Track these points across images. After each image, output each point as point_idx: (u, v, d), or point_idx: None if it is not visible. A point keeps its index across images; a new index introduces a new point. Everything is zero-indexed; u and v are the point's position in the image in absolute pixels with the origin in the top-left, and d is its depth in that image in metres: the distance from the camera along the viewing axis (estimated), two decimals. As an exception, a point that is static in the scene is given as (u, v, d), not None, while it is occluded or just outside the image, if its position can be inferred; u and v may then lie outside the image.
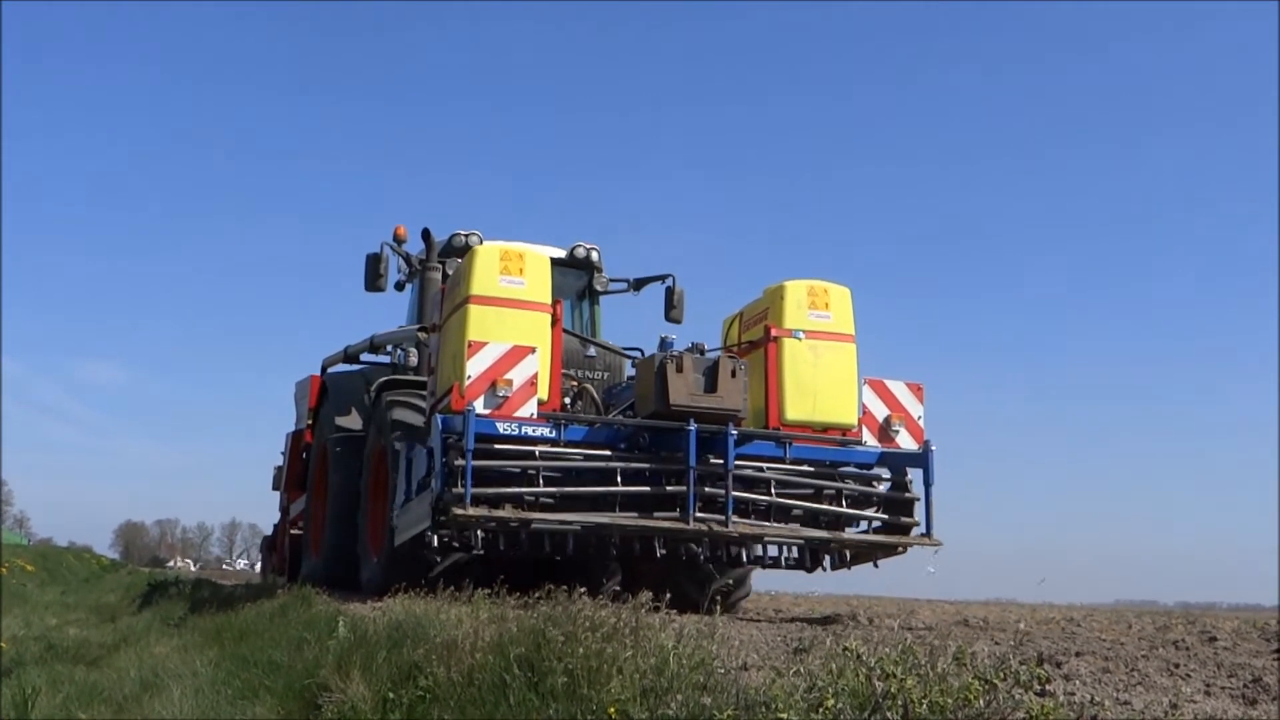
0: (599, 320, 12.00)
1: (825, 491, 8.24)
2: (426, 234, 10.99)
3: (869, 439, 8.18)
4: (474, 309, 7.80)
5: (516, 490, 7.47)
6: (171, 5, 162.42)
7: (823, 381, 8.32)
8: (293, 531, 13.72)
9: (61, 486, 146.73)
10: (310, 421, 12.86)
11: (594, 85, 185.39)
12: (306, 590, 9.21)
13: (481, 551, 7.82)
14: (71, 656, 8.86)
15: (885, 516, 8.33)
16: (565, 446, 7.63)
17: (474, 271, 7.92)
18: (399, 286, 11.94)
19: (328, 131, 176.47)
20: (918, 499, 8.23)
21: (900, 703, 3.19)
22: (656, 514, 7.68)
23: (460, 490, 7.09)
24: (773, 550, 8.81)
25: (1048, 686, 3.67)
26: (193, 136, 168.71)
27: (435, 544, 7.77)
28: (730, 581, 9.67)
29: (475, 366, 7.42)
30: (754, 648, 4.90)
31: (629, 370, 10.49)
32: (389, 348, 11.71)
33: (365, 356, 12.49)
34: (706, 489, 7.75)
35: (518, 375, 7.48)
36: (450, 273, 10.65)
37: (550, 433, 7.58)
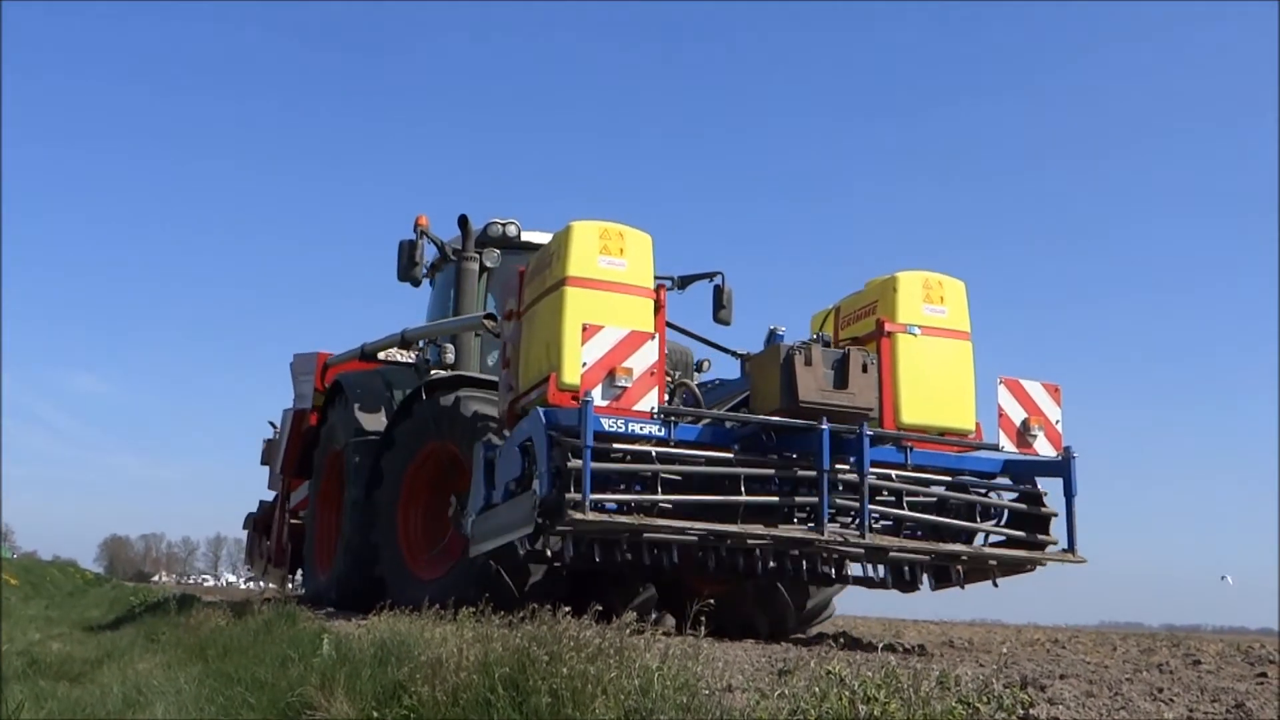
0: None
1: (952, 502, 7.57)
2: (464, 221, 10.47)
3: (1005, 444, 7.47)
4: (571, 291, 7.13)
5: (633, 493, 6.82)
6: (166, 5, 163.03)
7: (940, 382, 7.67)
8: (292, 521, 13.25)
9: (46, 500, 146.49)
10: (314, 405, 12.36)
11: (627, 77, 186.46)
12: (291, 607, 9.16)
13: (567, 561, 7.11)
14: (55, 672, 8.77)
15: (1016, 530, 7.61)
16: (675, 446, 6.89)
17: (570, 250, 7.23)
18: (415, 282, 11.08)
19: (319, 140, 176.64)
20: (1055, 512, 7.54)
21: (883, 726, 3.20)
22: (777, 522, 7.04)
23: (575, 494, 6.35)
24: (857, 567, 8.00)
25: (1031, 710, 3.67)
26: (181, 150, 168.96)
27: (523, 554, 7.09)
28: (816, 603, 9.18)
29: (591, 353, 6.68)
30: (738, 669, 4.89)
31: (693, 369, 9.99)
32: (420, 344, 10.92)
33: (386, 355, 11.61)
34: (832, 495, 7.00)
35: (637, 364, 6.73)
36: (488, 263, 10.38)
37: (659, 431, 6.82)
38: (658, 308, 7.44)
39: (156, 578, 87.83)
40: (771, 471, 7.11)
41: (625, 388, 6.66)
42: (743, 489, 6.94)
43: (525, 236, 10.72)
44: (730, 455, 7.03)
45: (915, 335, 7.65)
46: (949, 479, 7.54)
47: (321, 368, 12.66)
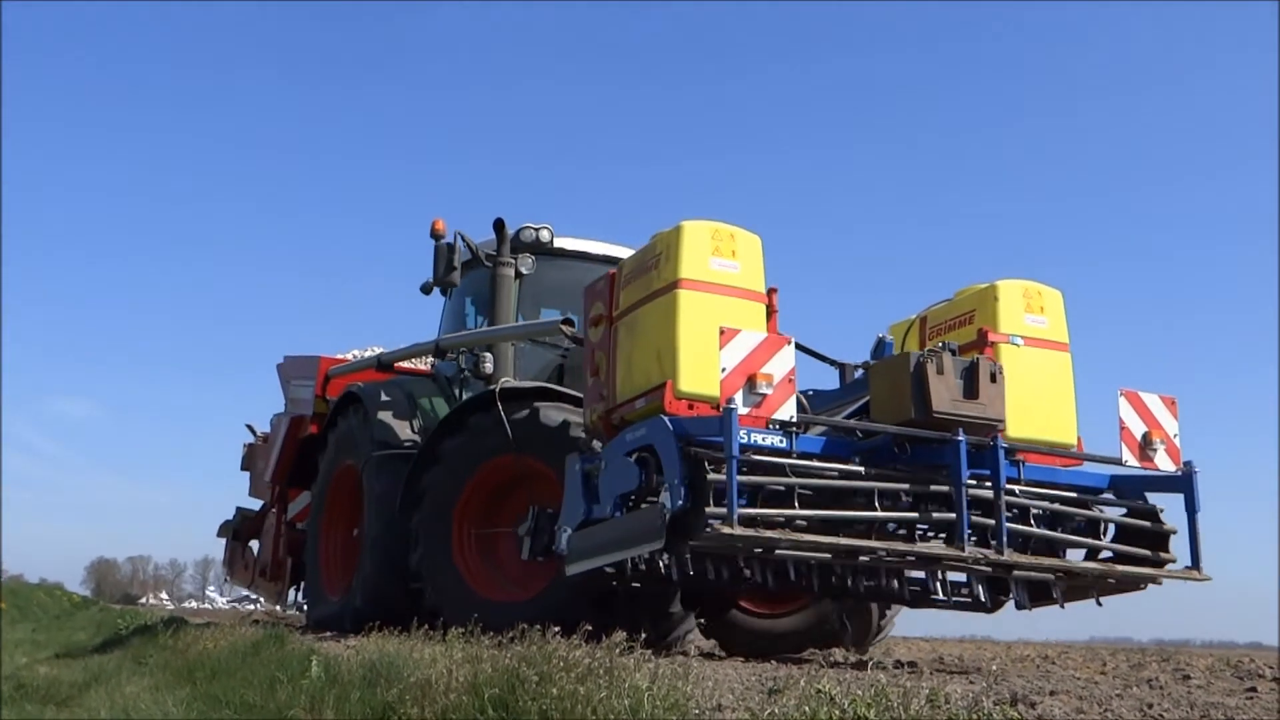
0: None
1: (1067, 517, 7.28)
2: (500, 225, 10.15)
3: (1128, 457, 7.17)
4: (684, 294, 6.81)
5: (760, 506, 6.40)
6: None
7: (1042, 394, 7.37)
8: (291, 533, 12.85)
9: (32, 523, 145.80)
10: (314, 413, 12.02)
11: (648, 78, 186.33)
12: (279, 628, 9.11)
13: (675, 578, 6.90)
14: (42, 696, 8.72)
15: (1131, 547, 7.31)
16: (798, 458, 6.49)
17: (682, 251, 6.90)
18: (425, 290, 10.72)
19: (300, 157, 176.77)
20: (1174, 529, 7.27)
21: (873, 744, 3.20)
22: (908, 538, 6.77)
23: (718, 506, 6.00)
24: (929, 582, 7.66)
25: (1021, 727, 3.68)
26: (165, 169, 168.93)
27: (633, 571, 6.82)
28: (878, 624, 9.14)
29: (730, 357, 6.27)
30: (728, 688, 4.88)
31: None
32: (453, 354, 10.33)
33: (405, 364, 11.30)
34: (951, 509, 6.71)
35: (777, 369, 6.34)
36: (523, 269, 10.06)
37: (781, 442, 6.44)
38: (770, 312, 7.21)
39: (144, 600, 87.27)
40: (906, 485, 6.78)
41: (765, 395, 6.27)
42: (876, 503, 6.64)
43: (558, 243, 10.51)
44: (860, 469, 6.72)
45: (1019, 346, 7.39)
46: (1071, 495, 7.30)
47: (324, 375, 12.32)
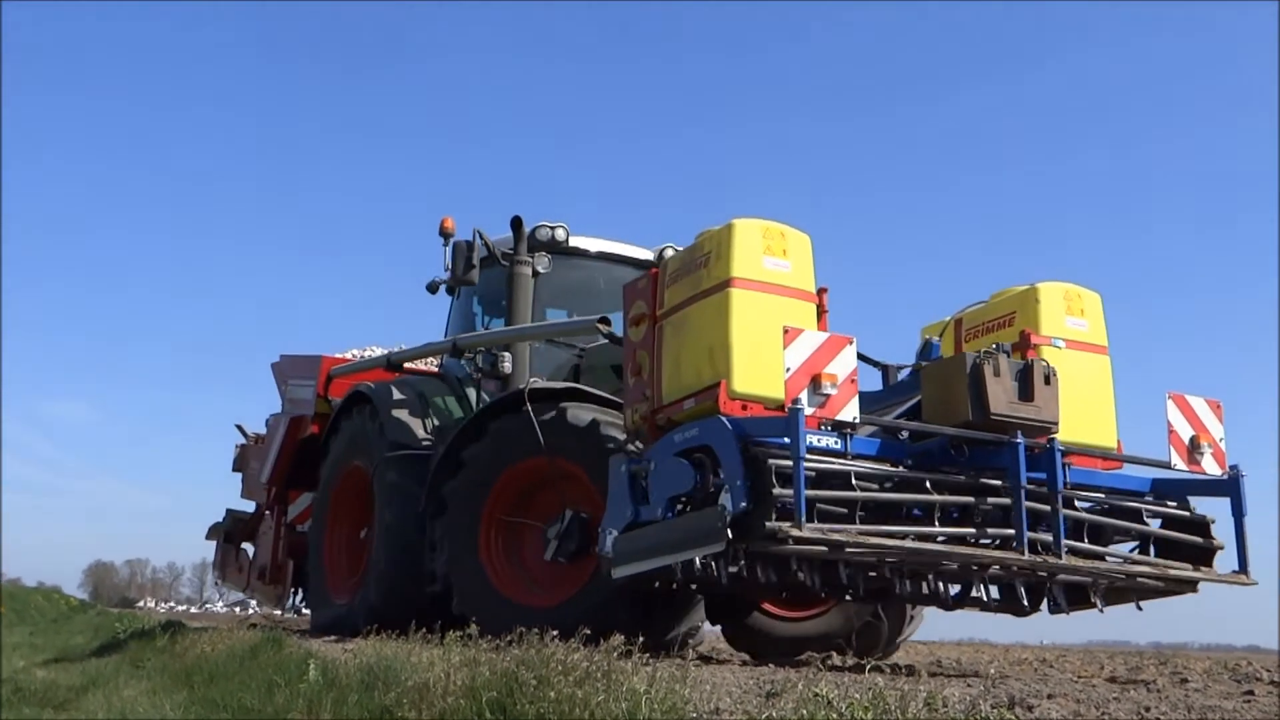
0: None
1: (1125, 518, 7.17)
2: (518, 223, 10.06)
3: (1176, 461, 7.09)
4: (737, 293, 6.71)
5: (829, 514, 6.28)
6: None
7: (1084, 397, 7.29)
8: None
9: (30, 526, 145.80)
10: (315, 413, 11.91)
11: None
12: (277, 632, 9.10)
13: (725, 582, 6.67)
14: (39, 700, 8.72)
15: (1175, 550, 7.22)
16: (853, 460, 6.37)
17: (734, 249, 6.80)
18: (432, 289, 10.70)
19: (294, 154, 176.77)
20: (1213, 519, 7.22)
21: (871, 748, 3.20)
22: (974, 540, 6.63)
23: (788, 491, 5.88)
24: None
25: (1019, 730, 3.68)
26: (160, 170, 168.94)
27: (681, 577, 6.70)
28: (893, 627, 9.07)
29: (794, 357, 6.16)
30: (726, 691, 4.88)
31: None
32: (470, 354, 10.14)
33: (412, 365, 11.14)
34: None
35: (840, 369, 6.24)
36: (539, 268, 10.03)
37: (835, 443, 6.34)
38: (820, 313, 7.15)
39: (142, 603, 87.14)
40: (968, 484, 6.69)
41: (829, 395, 6.16)
42: (937, 506, 6.54)
43: (573, 241, 10.46)
44: (919, 473, 6.62)
45: (1060, 349, 7.33)
46: (1120, 497, 7.23)
47: (326, 375, 12.16)
